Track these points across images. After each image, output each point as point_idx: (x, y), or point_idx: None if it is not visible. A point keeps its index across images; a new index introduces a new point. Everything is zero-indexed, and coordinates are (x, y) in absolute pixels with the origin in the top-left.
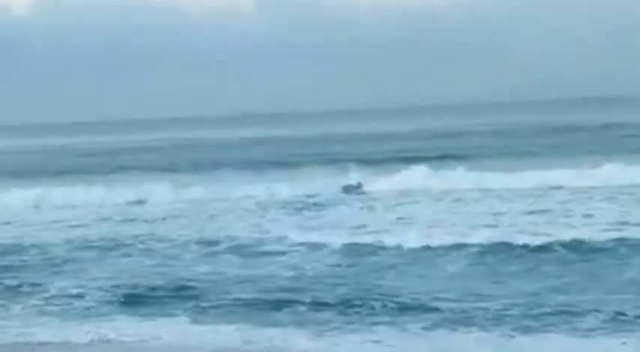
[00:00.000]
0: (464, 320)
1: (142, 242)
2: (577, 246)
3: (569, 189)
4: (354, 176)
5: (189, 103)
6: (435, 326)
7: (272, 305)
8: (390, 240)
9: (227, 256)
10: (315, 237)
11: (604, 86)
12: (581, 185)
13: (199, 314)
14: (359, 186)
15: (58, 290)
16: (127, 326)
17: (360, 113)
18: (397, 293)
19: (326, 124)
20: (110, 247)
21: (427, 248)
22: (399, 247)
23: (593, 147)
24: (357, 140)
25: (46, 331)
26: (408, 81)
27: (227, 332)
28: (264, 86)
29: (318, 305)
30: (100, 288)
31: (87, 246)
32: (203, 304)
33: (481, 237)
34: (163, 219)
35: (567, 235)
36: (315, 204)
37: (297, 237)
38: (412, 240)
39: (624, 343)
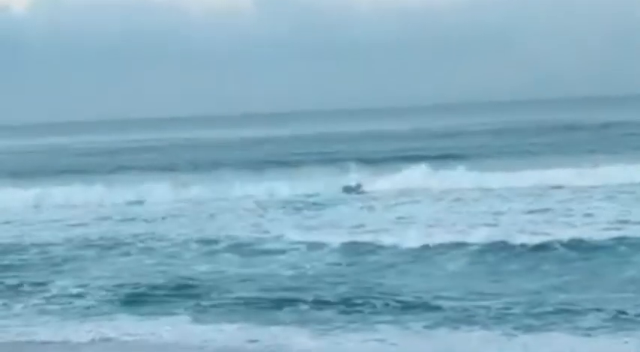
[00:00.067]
0: (466, 318)
1: (141, 241)
2: (577, 245)
3: (569, 188)
4: (353, 176)
5: (189, 103)
6: (437, 324)
7: (273, 304)
8: (389, 239)
9: (227, 255)
10: (314, 237)
11: (604, 85)
12: (582, 184)
13: (201, 313)
14: (359, 185)
15: (58, 289)
16: (128, 325)
17: (360, 112)
18: (398, 291)
19: (326, 124)
20: (110, 246)
21: (427, 247)
22: (398, 246)
23: (593, 147)
24: (357, 139)
25: (47, 330)
26: (408, 80)
27: (229, 330)
28: (264, 86)
29: (319, 303)
30: (100, 287)
31: (87, 245)
32: (204, 303)
33: (481, 236)
34: (163, 219)
35: (567, 234)
36: (314, 204)
37: (296, 236)
38: (412, 239)
39: (626, 342)
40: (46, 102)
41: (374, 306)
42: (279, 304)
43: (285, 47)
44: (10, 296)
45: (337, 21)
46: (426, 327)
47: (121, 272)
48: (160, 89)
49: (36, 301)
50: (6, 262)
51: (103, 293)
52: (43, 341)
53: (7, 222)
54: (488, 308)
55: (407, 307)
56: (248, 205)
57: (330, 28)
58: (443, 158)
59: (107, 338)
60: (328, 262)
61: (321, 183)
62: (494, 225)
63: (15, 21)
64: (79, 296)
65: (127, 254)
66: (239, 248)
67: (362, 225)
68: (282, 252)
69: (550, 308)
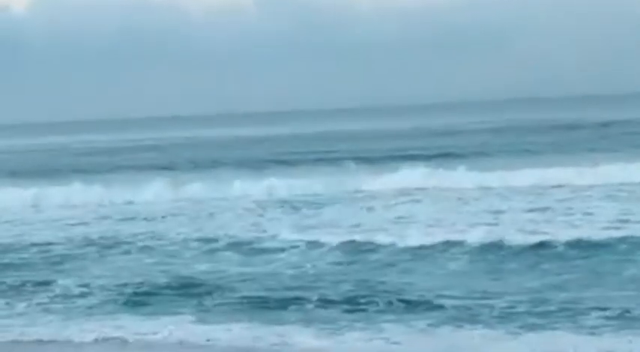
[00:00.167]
0: (469, 317)
1: (141, 240)
2: (577, 244)
3: (569, 187)
4: (353, 174)
5: (189, 102)
6: (440, 323)
7: (277, 304)
8: (389, 238)
9: (227, 254)
10: (314, 236)
11: (604, 84)
12: (582, 183)
13: (204, 313)
14: (358, 184)
15: (61, 288)
16: (132, 325)
17: (360, 111)
18: (401, 290)
19: (326, 123)
20: (110, 245)
21: (427, 246)
22: (399, 245)
23: (593, 145)
24: (357, 138)
25: (49, 329)
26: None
27: (234, 330)
28: (264, 85)
29: (323, 302)
30: (102, 287)
31: (87, 244)
32: (207, 302)
33: (481, 235)
34: (163, 218)
35: (567, 233)
36: (314, 203)
37: (296, 235)
38: (412, 238)
39: (630, 341)
40: (45, 102)
41: (377, 305)
42: (283, 303)
43: (285, 46)
44: (13, 296)
45: (337, 20)
46: (429, 326)
47: (122, 272)
48: (160, 88)
49: (38, 300)
50: (6, 261)
51: (106, 292)
52: (46, 340)
53: (7, 222)
54: (491, 306)
55: (410, 306)
56: (247, 204)
57: (330, 27)
58: (443, 157)
59: (110, 337)
60: (329, 261)
61: (320, 181)
62: (494, 224)
63: (15, 21)
64: (81, 295)
65: (128, 253)
66: (239, 247)
67: (362, 224)
68: (283, 251)
69: (553, 307)
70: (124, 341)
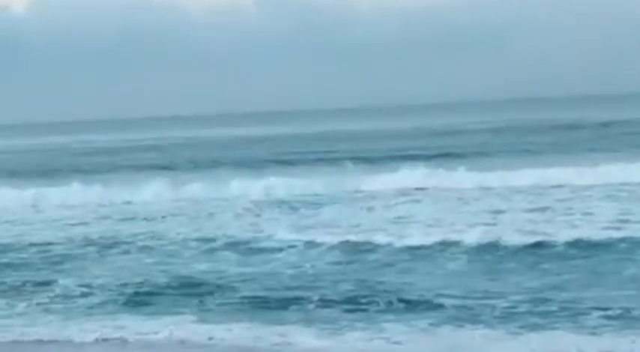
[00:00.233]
0: (470, 317)
1: (141, 240)
2: (577, 244)
3: (569, 187)
4: (353, 174)
5: (189, 102)
6: (441, 323)
7: (278, 303)
8: (389, 238)
9: (226, 254)
10: (313, 236)
11: (604, 84)
12: (582, 183)
13: (206, 312)
14: (358, 184)
15: (61, 288)
16: (132, 325)
17: (360, 111)
18: (400, 290)
19: (325, 123)
20: (110, 245)
21: (427, 246)
22: (398, 245)
23: (593, 145)
24: (357, 138)
25: (50, 329)
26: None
27: (236, 329)
28: (264, 85)
29: (324, 302)
30: (103, 286)
31: (87, 244)
32: (209, 302)
33: (481, 235)
34: (162, 218)
35: (567, 233)
36: (313, 203)
37: (295, 235)
38: (411, 237)
39: (633, 341)
40: (45, 102)
41: (378, 305)
42: (283, 303)
43: (285, 46)
44: (13, 296)
45: (337, 20)
46: (430, 325)
47: (122, 272)
48: (160, 88)
49: (39, 300)
50: (6, 260)
51: (106, 292)
52: (47, 340)
53: (7, 222)
54: (492, 306)
55: (410, 305)
56: (246, 204)
57: (330, 27)
58: (442, 157)
59: (111, 337)
60: (328, 261)
61: (320, 181)
62: (494, 224)
63: (15, 21)
64: (81, 295)
65: (127, 252)
66: (238, 247)
67: (361, 224)
68: (282, 251)
69: (554, 307)
70: (124, 341)
